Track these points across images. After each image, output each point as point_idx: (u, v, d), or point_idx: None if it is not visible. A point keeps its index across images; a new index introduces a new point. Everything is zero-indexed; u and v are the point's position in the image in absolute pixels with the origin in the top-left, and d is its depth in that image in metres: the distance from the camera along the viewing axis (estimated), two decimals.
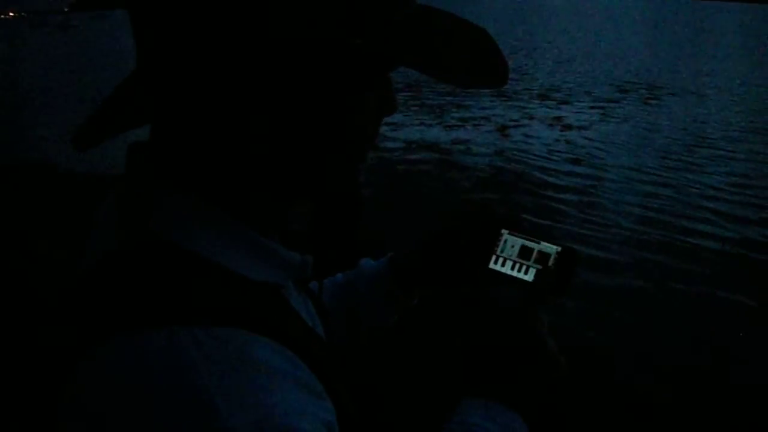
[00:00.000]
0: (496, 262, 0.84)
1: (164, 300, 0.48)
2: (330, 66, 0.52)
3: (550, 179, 6.99)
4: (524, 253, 0.83)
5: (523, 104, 11.76)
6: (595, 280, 4.41)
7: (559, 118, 10.38)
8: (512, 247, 0.84)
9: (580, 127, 9.71)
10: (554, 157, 7.91)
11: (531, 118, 10.48)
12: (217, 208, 0.55)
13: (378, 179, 6.74)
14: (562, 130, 9.50)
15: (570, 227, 5.59)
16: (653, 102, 12.13)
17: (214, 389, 0.43)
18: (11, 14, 29.42)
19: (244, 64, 0.50)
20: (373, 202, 5.78)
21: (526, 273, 0.82)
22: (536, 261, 0.82)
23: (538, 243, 0.82)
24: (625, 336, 3.83)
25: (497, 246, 0.84)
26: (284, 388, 0.47)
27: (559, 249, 0.81)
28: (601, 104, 11.74)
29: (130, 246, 0.52)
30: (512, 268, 0.83)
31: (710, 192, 6.58)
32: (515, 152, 8.16)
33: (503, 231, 0.85)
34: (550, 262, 0.81)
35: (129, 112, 0.57)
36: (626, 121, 10.33)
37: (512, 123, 9.97)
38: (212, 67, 0.50)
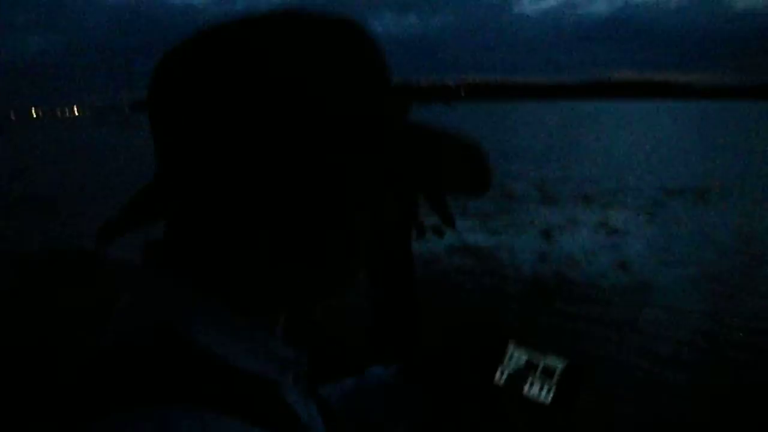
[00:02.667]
0: (501, 376, 0.83)
1: (159, 384, 0.51)
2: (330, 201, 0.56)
3: (594, 285, 6.86)
4: (529, 367, 0.81)
5: (567, 208, 11.77)
6: (646, 395, 4.21)
7: (604, 223, 10.30)
8: (518, 360, 0.82)
9: (626, 232, 9.60)
10: (598, 262, 7.80)
11: (575, 222, 10.44)
12: (222, 304, 0.58)
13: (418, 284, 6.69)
14: (607, 235, 9.42)
15: (612, 333, 5.43)
16: (702, 205, 11.95)
17: None
18: (75, 112, 31.30)
19: (254, 180, 0.53)
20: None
21: (531, 388, 0.80)
22: (542, 375, 0.80)
23: (544, 356, 0.81)
24: None
25: (503, 360, 0.83)
26: None
27: (565, 364, 0.80)
28: (648, 207, 11.64)
29: (137, 335, 0.55)
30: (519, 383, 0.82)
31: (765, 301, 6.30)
32: (558, 257, 8.09)
33: (510, 345, 0.84)
34: (555, 378, 0.79)
35: (148, 213, 0.59)
36: (674, 225, 10.16)
37: (556, 227, 9.94)
38: (227, 182, 0.53)
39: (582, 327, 5.56)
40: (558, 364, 0.80)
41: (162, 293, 0.59)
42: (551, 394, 0.78)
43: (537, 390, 0.78)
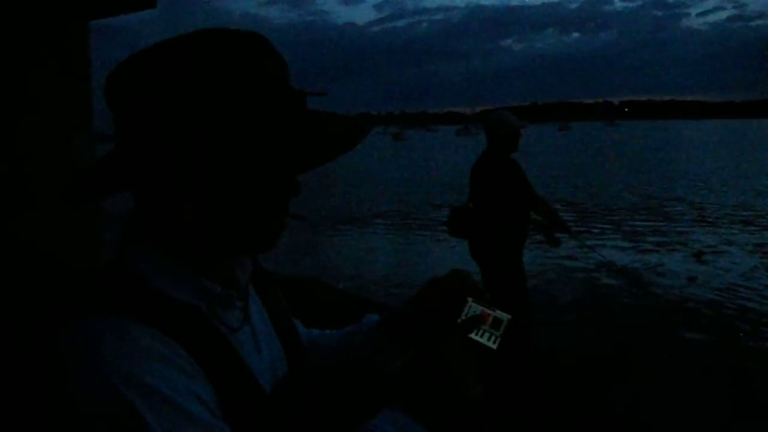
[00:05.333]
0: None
1: (103, 301, 0.74)
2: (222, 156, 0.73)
3: (747, 307, 6.73)
4: (482, 319, 0.95)
5: (723, 229, 11.48)
6: None
7: (761, 245, 9.99)
8: (474, 312, 0.96)
9: None
10: (753, 285, 7.58)
11: (730, 244, 10.20)
12: (165, 252, 0.81)
13: (566, 300, 7.03)
14: (762, 257, 9.13)
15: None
16: None
17: (107, 354, 0.67)
18: None
19: (161, 162, 0.74)
20: (559, 322, 6.10)
21: (482, 336, 0.94)
22: (491, 326, 0.94)
23: (494, 311, 0.95)
24: None
25: (462, 311, 0.96)
26: (152, 360, 0.69)
27: (510, 317, 0.94)
28: None
29: (107, 271, 0.81)
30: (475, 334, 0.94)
31: None
32: (710, 279, 7.89)
33: (469, 299, 0.97)
34: (501, 329, 0.94)
35: (109, 182, 0.78)
36: None
37: (709, 249, 9.72)
38: (145, 161, 0.74)
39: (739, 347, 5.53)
40: (504, 317, 0.94)
41: (125, 244, 0.82)
42: (497, 341, 0.93)
43: (486, 337, 0.93)
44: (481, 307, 0.96)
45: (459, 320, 0.95)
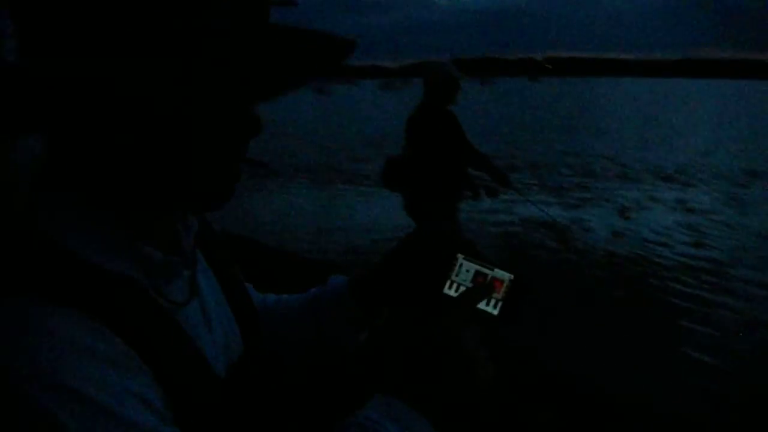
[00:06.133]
0: (450, 287, 0.83)
1: (9, 279, 0.57)
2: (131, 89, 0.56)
3: (669, 262, 6.87)
4: (478, 278, 0.83)
5: (646, 186, 11.66)
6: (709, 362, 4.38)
7: (683, 201, 10.21)
8: (467, 272, 0.83)
9: (705, 211, 9.50)
10: (677, 240, 7.76)
11: (653, 200, 10.36)
12: (90, 208, 0.64)
13: (489, 255, 6.86)
14: (686, 213, 9.34)
15: (688, 304, 5.52)
16: None
17: (17, 352, 0.52)
18: None
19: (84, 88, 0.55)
20: None
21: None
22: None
23: (492, 269, 0.82)
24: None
25: (453, 270, 0.83)
26: (77, 356, 0.54)
27: (513, 277, 0.81)
28: (729, 188, 11.46)
29: (13, 238, 0.61)
30: None
31: None
32: (635, 234, 8.06)
33: (459, 256, 0.84)
34: (502, 291, 0.81)
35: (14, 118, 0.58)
36: (758, 205, 10.02)
37: (633, 205, 9.89)
38: (70, 87, 0.55)
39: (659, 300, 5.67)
40: (506, 276, 0.81)
41: (36, 202, 0.64)
42: (498, 306, 0.80)
43: (484, 302, 0.80)
44: (475, 266, 0.83)
45: (452, 282, 0.82)
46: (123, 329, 0.58)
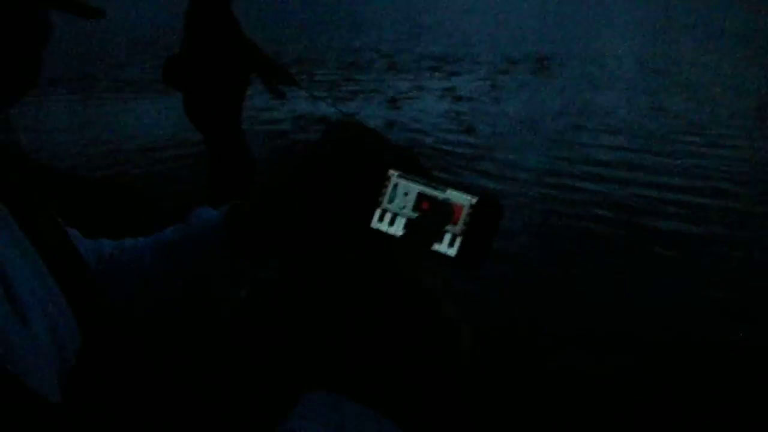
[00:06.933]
0: (381, 219, 0.58)
1: None
2: None
3: (442, 149, 6.92)
4: (423, 204, 0.57)
5: (413, 76, 11.75)
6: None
7: (449, 89, 10.39)
8: (405, 195, 0.58)
9: (470, 98, 9.72)
10: (445, 128, 7.87)
11: (421, 89, 10.45)
12: None
13: (264, 154, 6.48)
14: (453, 101, 9.49)
15: None
16: (544, 72, 12.30)
17: None
18: None
19: None
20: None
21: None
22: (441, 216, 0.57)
23: (444, 190, 0.57)
24: (531, 309, 3.69)
25: (383, 195, 0.58)
26: None
27: (475, 200, 0.56)
28: (492, 75, 11.83)
29: None
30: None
31: (598, 154, 6.65)
32: (406, 123, 8.08)
33: (391, 172, 0.59)
34: (462, 220, 0.56)
35: None
36: (517, 91, 10.40)
37: (402, 95, 9.91)
38: None
39: None
40: (465, 200, 0.56)
41: None
42: (457, 243, 0.56)
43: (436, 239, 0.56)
44: (417, 187, 0.57)
45: (383, 212, 0.57)
46: None
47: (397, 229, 0.57)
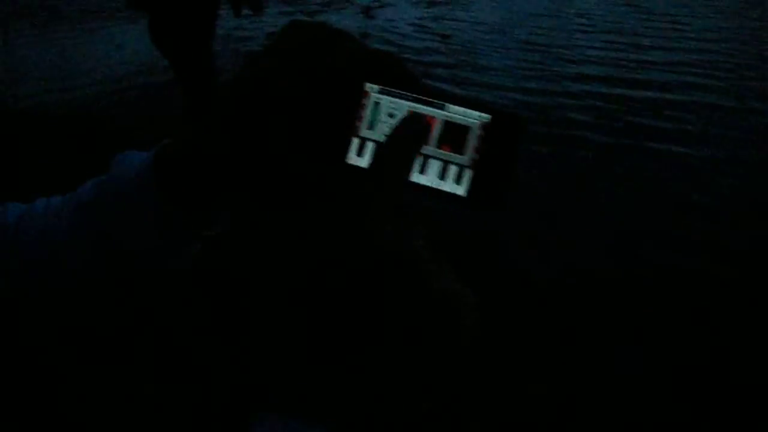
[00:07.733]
0: (361, 153, 0.44)
1: None
2: None
3: (420, 57, 6.82)
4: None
5: None
6: None
7: None
8: (390, 116, 0.43)
9: (445, 3, 9.56)
10: (421, 35, 7.74)
11: None
12: None
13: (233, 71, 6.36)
14: (427, 7, 9.35)
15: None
16: None
17: None
18: None
19: None
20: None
21: (427, 171, 0.42)
22: (444, 143, 0.42)
23: (442, 106, 0.42)
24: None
25: (360, 118, 0.44)
26: None
27: (490, 118, 0.41)
28: None
29: None
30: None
31: (578, 55, 6.62)
32: (381, 32, 7.93)
33: (368, 86, 0.44)
34: (470, 146, 0.41)
35: None
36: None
37: (376, 4, 9.74)
38: None
39: None
40: (474, 119, 0.41)
41: None
42: (466, 177, 0.41)
43: (435, 171, 0.42)
44: (405, 103, 0.42)
45: (363, 141, 0.42)
46: None
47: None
